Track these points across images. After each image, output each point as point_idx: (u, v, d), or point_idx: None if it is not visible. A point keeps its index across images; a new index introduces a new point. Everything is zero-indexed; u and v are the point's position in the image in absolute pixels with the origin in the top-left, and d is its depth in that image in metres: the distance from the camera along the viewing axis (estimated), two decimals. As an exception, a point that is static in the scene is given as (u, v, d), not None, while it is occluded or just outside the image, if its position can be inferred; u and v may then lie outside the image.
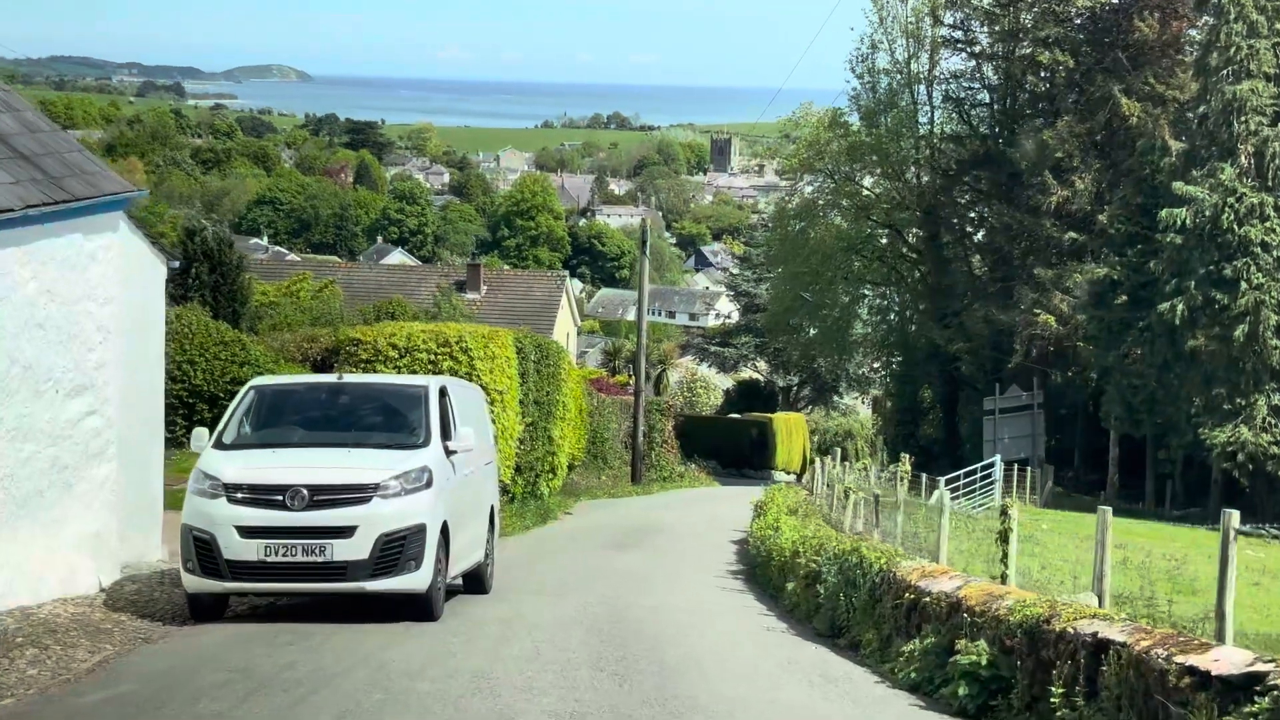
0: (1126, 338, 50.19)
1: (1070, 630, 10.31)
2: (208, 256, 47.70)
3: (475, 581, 17.71)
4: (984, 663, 11.43)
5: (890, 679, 13.33)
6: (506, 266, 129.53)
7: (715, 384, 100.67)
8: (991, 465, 47.15)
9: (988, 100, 68.07)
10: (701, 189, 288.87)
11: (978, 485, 46.28)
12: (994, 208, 62.22)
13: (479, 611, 16.27)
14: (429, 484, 14.81)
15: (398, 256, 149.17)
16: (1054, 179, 58.38)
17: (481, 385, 25.52)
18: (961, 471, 45.26)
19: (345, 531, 14.23)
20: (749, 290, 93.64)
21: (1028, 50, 63.38)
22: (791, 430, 78.03)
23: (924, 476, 43.04)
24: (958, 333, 64.65)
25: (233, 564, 14.14)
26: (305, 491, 14.19)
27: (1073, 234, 58.92)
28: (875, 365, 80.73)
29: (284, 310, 45.08)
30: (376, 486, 14.46)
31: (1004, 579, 13.70)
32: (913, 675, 12.81)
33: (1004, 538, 13.73)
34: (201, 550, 14.20)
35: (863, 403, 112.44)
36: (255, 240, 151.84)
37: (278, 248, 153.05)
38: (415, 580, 14.47)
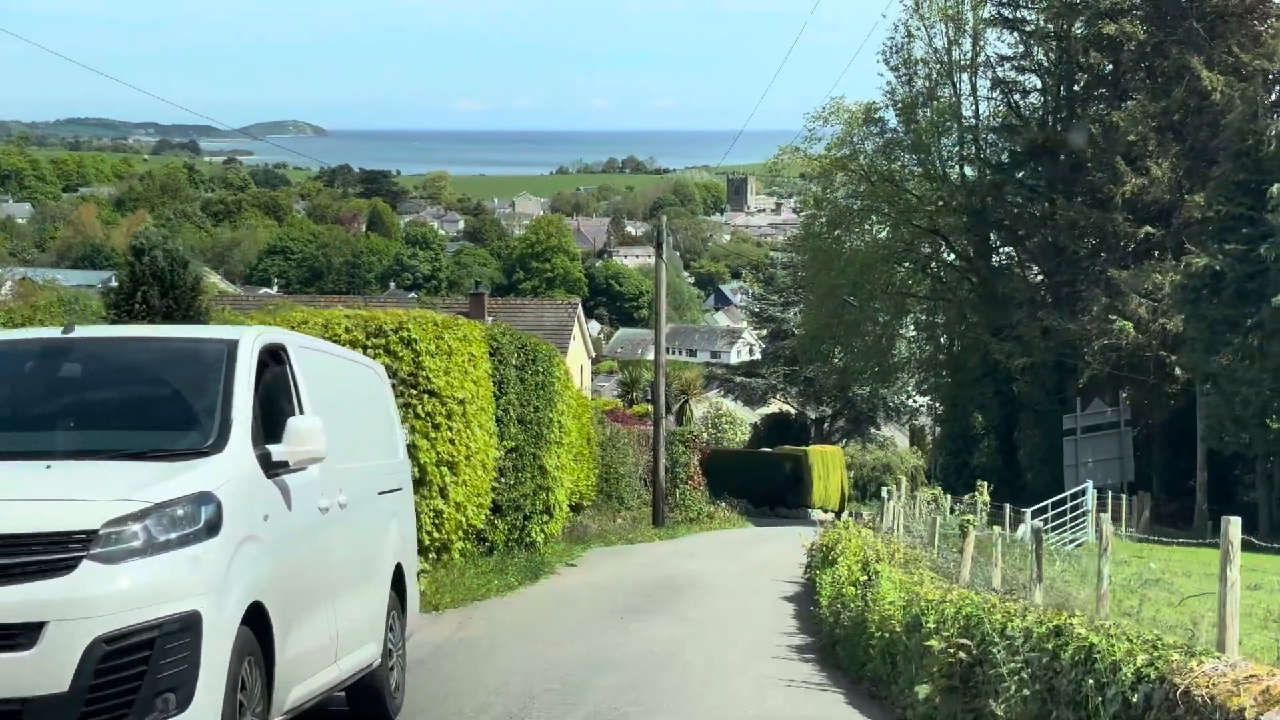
0: (1233, 339, 42.34)
1: None
2: (158, 278, 40.92)
3: (368, 699, 10.24)
4: None
5: None
6: (514, 297, 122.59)
7: (742, 418, 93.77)
8: (1081, 494, 39.42)
9: (1040, 85, 60.53)
10: (719, 228, 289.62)
11: (1066, 517, 38.65)
12: (1055, 203, 54.62)
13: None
14: (213, 528, 7.50)
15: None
16: (1126, 166, 50.99)
17: (432, 391, 18.15)
18: (1050, 501, 37.58)
19: (15, 636, 6.86)
20: (775, 315, 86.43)
21: (1084, 26, 56.01)
22: (829, 465, 71.12)
23: (1007, 508, 35.59)
24: (1015, 347, 57.05)
25: None
26: None
27: (1149, 228, 51.42)
28: (922, 389, 72.88)
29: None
30: (89, 538, 7.12)
31: None
32: None
33: None
34: None
35: (901, 434, 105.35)
36: (265, 290, 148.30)
37: (288, 297, 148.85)
38: None
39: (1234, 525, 8.19)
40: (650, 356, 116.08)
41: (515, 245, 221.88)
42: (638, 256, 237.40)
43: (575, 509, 35.82)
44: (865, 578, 15.09)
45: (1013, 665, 8.74)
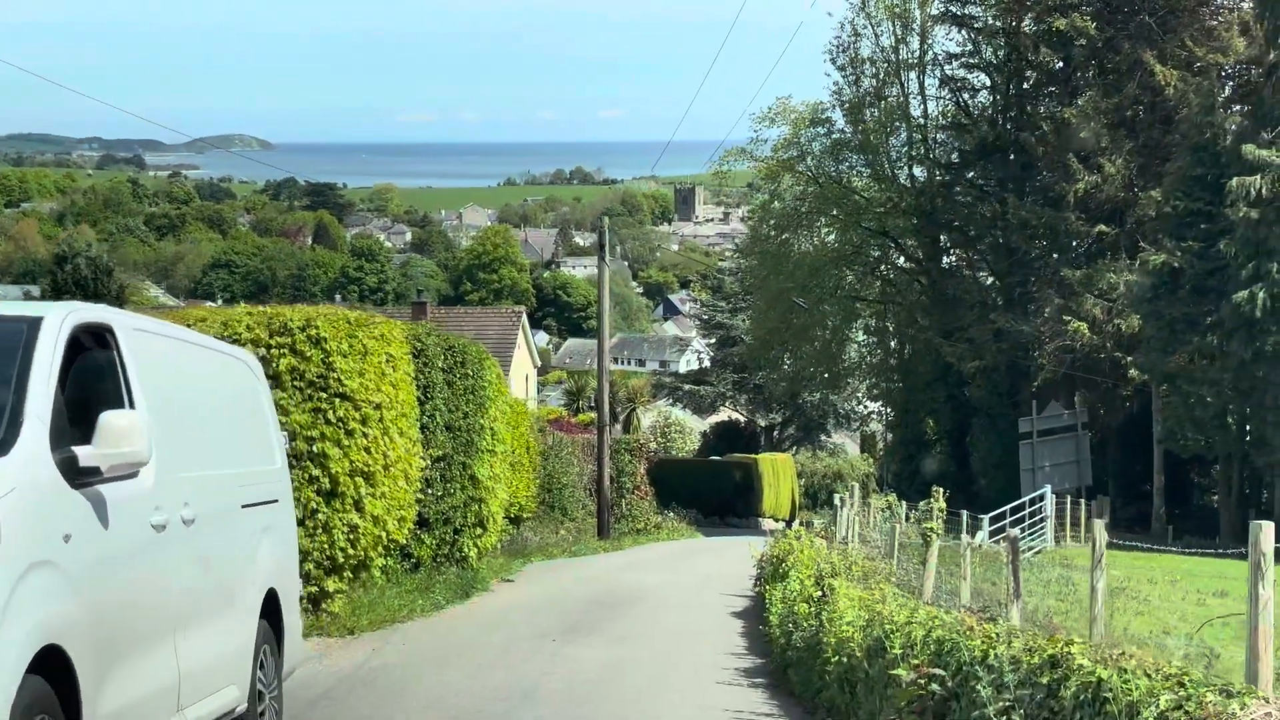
0: (1192, 338, 41.10)
1: None
2: (80, 286, 39.40)
3: (232, 751, 8.63)
4: None
5: None
6: (459, 307, 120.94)
7: (691, 427, 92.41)
8: (1040, 499, 38.13)
9: (989, 83, 59.38)
10: (667, 238, 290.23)
11: (1025, 523, 37.34)
12: (1007, 202, 53.41)
13: None
14: None
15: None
16: (1078, 163, 49.86)
17: (344, 395, 16.57)
18: (1008, 507, 36.24)
19: None
20: (723, 322, 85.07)
21: (1034, 23, 54.94)
22: (779, 472, 69.85)
23: (964, 515, 34.32)
24: (967, 350, 55.83)
25: None
26: None
27: (1103, 227, 50.32)
28: (873, 395, 71.56)
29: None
30: None
31: None
32: None
33: None
34: None
35: (852, 441, 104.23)
36: (209, 304, 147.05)
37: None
38: None
39: (1266, 532, 6.73)
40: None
41: (462, 257, 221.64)
42: (586, 267, 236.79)
43: (514, 521, 34.26)
44: (819, 593, 13.62)
45: (1001, 704, 7.25)
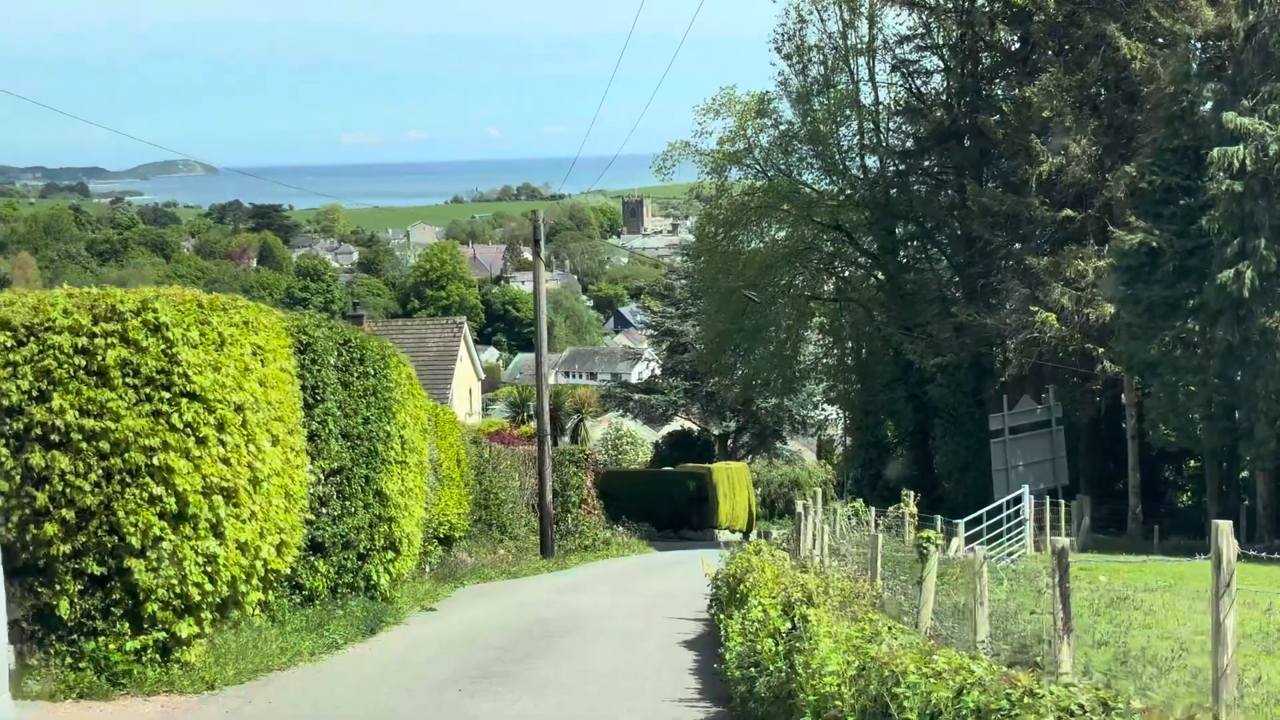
0: (1173, 322, 38.14)
1: None
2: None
3: None
4: None
5: None
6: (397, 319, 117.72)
7: (643, 438, 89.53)
8: (1016, 501, 35.12)
9: (943, 66, 56.55)
10: (616, 251, 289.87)
11: (1003, 529, 34.34)
12: (966, 189, 50.54)
13: None
14: None
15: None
16: (1041, 145, 47.06)
17: (193, 394, 13.37)
18: (985, 510, 33.21)
19: None
20: (673, 329, 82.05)
21: (989, 1, 52.26)
22: (734, 482, 66.98)
23: (938, 520, 31.36)
24: (928, 347, 52.98)
25: None
26: None
27: (1069, 211, 47.47)
28: (830, 397, 68.55)
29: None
30: None
31: None
32: None
33: None
34: None
35: (809, 448, 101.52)
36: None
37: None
38: None
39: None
40: (552, 380, 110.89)
41: (410, 274, 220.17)
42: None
43: (445, 542, 31.09)
44: (788, 625, 10.52)
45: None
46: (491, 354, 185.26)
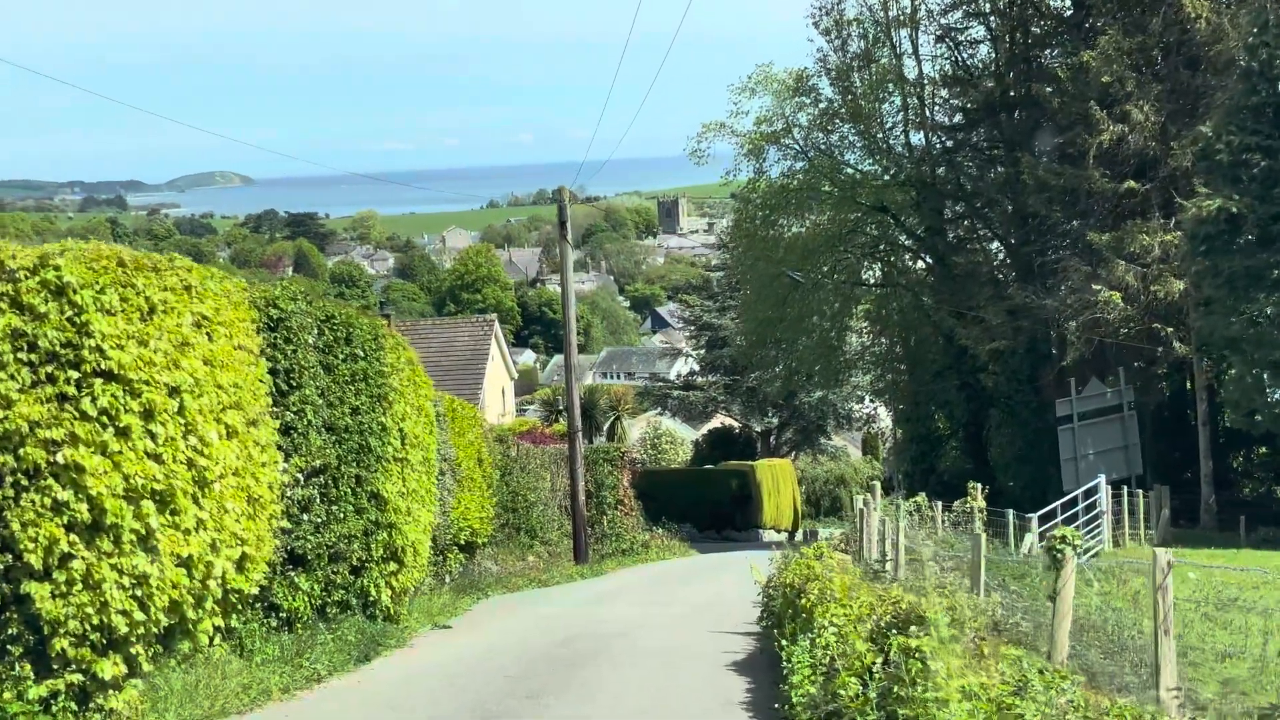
0: (1257, 295, 34.96)
1: None
2: None
3: None
4: None
5: None
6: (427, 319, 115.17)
7: (683, 437, 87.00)
8: (1093, 492, 32.10)
9: (991, 34, 53.39)
10: (653, 251, 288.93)
11: (1079, 521, 31.35)
12: (1021, 162, 47.38)
13: None
14: None
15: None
16: (1101, 112, 43.96)
17: (110, 374, 10.60)
18: (1059, 504, 30.24)
19: None
20: (711, 322, 79.31)
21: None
22: (778, 480, 64.39)
23: (1010, 514, 28.45)
24: (982, 332, 49.92)
25: None
26: None
27: (1131, 183, 44.33)
28: (877, 388, 65.47)
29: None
30: None
31: None
32: None
33: None
34: None
35: (853, 444, 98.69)
36: None
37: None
38: None
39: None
40: (590, 381, 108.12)
41: (445, 278, 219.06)
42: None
43: (467, 549, 28.37)
44: (878, 659, 7.65)
45: None
46: (528, 356, 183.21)
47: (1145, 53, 45.15)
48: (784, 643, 11.36)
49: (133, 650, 10.97)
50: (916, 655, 6.95)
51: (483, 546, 29.99)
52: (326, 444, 15.62)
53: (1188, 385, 49.50)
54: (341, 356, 16.16)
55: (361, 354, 16.66)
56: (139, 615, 10.82)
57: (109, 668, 10.71)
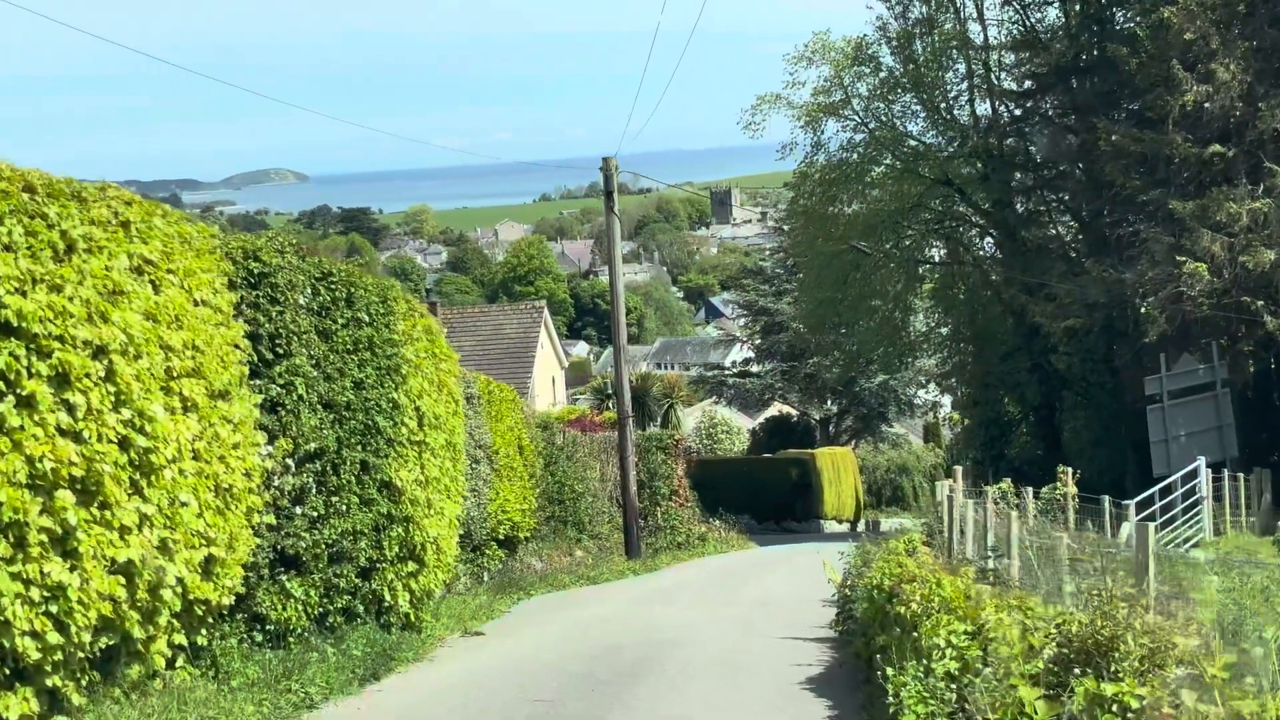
0: (1365, 260, 32.14)
1: None
2: None
3: None
4: None
5: None
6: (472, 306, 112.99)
7: (739, 426, 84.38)
8: (1192, 476, 29.39)
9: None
10: (706, 242, 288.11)
11: (1177, 509, 28.68)
12: (1098, 127, 44.51)
13: None
14: None
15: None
16: (1184, 72, 41.09)
17: (4, 325, 8.21)
18: (1157, 489, 27.60)
19: None
20: (767, 307, 76.73)
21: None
22: (839, 468, 61.85)
23: (1105, 501, 25.82)
24: (1056, 309, 47.15)
25: None
26: None
27: (1217, 147, 41.42)
28: (943, 370, 62.70)
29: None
30: None
31: None
32: None
33: None
34: None
35: (914, 432, 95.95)
36: None
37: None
38: None
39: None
40: (643, 369, 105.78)
41: (497, 270, 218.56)
42: (624, 275, 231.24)
43: (507, 544, 26.02)
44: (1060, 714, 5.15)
45: None
46: (581, 348, 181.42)
47: (1230, 7, 42.27)
48: (877, 658, 8.83)
49: (50, 681, 8.59)
50: (1117, 712, 4.50)
51: (525, 541, 27.66)
52: (323, 424, 13.20)
53: (1272, 364, 46.78)
54: (341, 321, 13.73)
55: (366, 318, 14.24)
56: (54, 637, 8.44)
57: (16, 704, 8.34)
